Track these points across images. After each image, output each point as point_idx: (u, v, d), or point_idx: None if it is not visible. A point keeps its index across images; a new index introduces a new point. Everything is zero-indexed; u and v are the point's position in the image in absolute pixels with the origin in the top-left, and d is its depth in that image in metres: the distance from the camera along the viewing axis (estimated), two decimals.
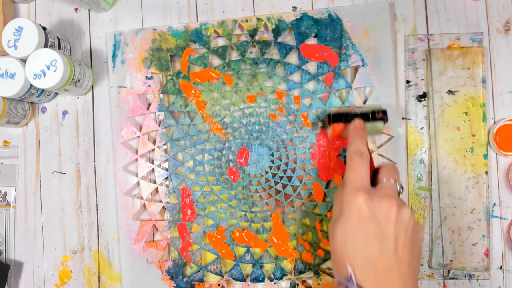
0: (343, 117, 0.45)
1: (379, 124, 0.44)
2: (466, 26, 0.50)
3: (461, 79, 0.49)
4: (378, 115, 0.44)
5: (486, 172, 0.48)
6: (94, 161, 0.54)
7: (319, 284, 0.49)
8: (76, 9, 0.56)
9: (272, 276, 0.50)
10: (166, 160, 0.52)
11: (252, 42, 0.51)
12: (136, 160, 0.52)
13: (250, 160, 0.51)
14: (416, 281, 0.34)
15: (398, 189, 0.36)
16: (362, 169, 0.36)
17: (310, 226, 0.49)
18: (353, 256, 0.33)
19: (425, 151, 0.50)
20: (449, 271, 0.49)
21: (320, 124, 0.49)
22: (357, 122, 0.42)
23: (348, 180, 0.36)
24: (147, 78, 0.52)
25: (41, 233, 0.55)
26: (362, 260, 0.33)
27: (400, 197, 0.36)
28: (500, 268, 0.49)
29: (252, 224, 0.50)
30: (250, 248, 0.50)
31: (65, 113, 0.55)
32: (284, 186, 0.50)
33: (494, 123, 0.49)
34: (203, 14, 0.54)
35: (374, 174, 0.39)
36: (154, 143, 0.52)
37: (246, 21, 0.52)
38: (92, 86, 0.55)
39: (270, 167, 0.50)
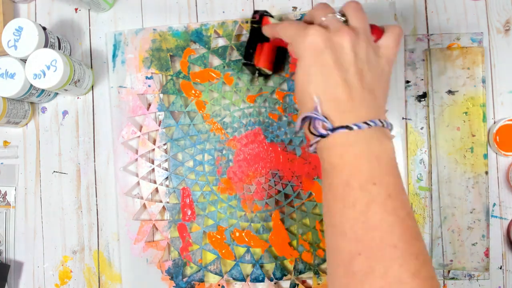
0: (251, 47, 0.46)
1: (266, 20, 0.45)
2: (466, 26, 0.50)
3: (461, 79, 0.49)
4: (255, 18, 0.45)
5: (486, 172, 0.48)
6: (94, 161, 0.54)
7: (319, 284, 0.49)
8: (76, 9, 0.56)
9: (272, 276, 0.50)
10: (166, 160, 0.52)
11: None
12: (136, 160, 0.52)
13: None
14: (382, 112, 0.34)
15: (341, 18, 0.35)
16: (295, 21, 0.37)
17: (310, 226, 0.49)
18: (315, 89, 0.33)
19: (425, 151, 0.50)
20: (449, 271, 0.49)
21: (255, 72, 0.49)
22: (266, 27, 0.43)
23: (292, 29, 0.35)
24: (147, 78, 0.52)
25: (41, 233, 0.55)
26: (324, 90, 0.32)
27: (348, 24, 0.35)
28: (500, 268, 0.49)
29: (252, 224, 0.50)
30: (250, 248, 0.50)
31: (65, 113, 0.55)
32: (284, 186, 0.50)
33: (494, 123, 0.49)
34: (203, 14, 0.54)
35: None
36: (154, 143, 0.52)
37: (247, 21, 0.52)
38: (92, 86, 0.55)
39: (270, 167, 0.50)
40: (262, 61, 0.46)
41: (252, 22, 0.46)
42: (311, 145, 0.33)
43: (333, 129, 0.31)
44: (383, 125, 0.32)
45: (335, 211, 0.32)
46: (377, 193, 0.30)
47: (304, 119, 0.33)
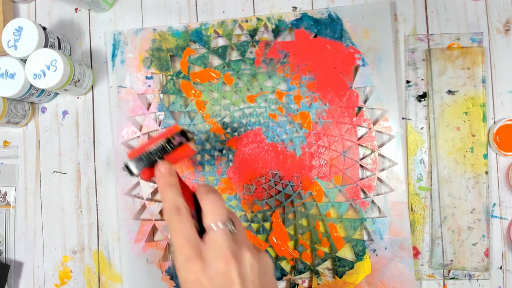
0: (142, 162, 0.36)
1: (185, 146, 0.36)
2: (466, 26, 0.50)
3: (461, 79, 0.49)
4: (175, 141, 0.36)
5: (486, 172, 0.48)
6: (94, 161, 0.54)
7: (319, 284, 0.49)
8: (76, 9, 0.56)
9: None
10: None
11: (252, 42, 0.51)
12: None
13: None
14: None
15: (229, 228, 0.32)
16: (183, 228, 0.31)
17: (310, 226, 0.49)
18: None
19: (425, 151, 0.50)
20: (449, 271, 0.49)
21: (128, 174, 0.37)
22: (161, 168, 0.35)
23: (176, 248, 0.31)
24: (147, 78, 0.52)
25: (41, 233, 0.55)
26: None
27: (234, 235, 0.32)
28: (500, 268, 0.49)
29: (252, 224, 0.50)
30: None
31: (65, 113, 0.55)
32: (284, 186, 0.50)
33: (494, 123, 0.49)
34: (203, 14, 0.54)
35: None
36: None
37: (246, 21, 0.52)
38: (92, 86, 0.55)
39: (270, 167, 0.50)
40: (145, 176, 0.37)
41: (169, 142, 0.36)
42: None
43: None
44: None
45: None
46: None
47: None
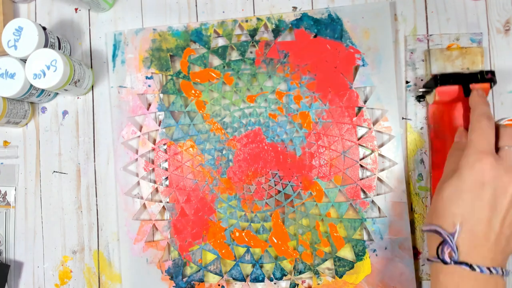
0: (451, 79, 0.44)
1: (485, 85, 0.43)
2: (466, 26, 0.50)
3: None
4: (487, 76, 0.43)
5: None
6: (94, 161, 0.54)
7: (319, 284, 0.49)
8: (76, 9, 0.56)
9: (272, 276, 0.50)
10: (166, 160, 0.52)
11: (252, 42, 0.51)
12: (136, 160, 0.52)
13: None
14: (506, 260, 0.35)
15: None
16: (489, 132, 0.36)
17: (310, 226, 0.49)
18: (456, 213, 0.34)
19: (425, 151, 0.50)
20: None
21: (420, 92, 0.48)
22: (479, 91, 0.42)
23: (474, 142, 0.35)
24: (147, 78, 0.52)
25: (41, 233, 0.55)
26: (466, 220, 0.33)
27: None
28: None
29: (252, 224, 0.50)
30: (250, 248, 0.50)
31: (65, 113, 0.55)
32: (284, 186, 0.50)
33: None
34: (203, 14, 0.54)
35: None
36: (154, 143, 0.52)
37: (246, 21, 0.52)
38: (92, 86, 0.55)
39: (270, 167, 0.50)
40: (435, 101, 0.46)
41: (481, 73, 0.44)
42: (428, 259, 0.35)
43: (457, 262, 0.33)
44: (502, 274, 0.33)
45: None
46: None
47: (435, 231, 0.35)
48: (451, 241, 0.33)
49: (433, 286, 0.35)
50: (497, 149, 0.36)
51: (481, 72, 0.43)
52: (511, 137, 0.36)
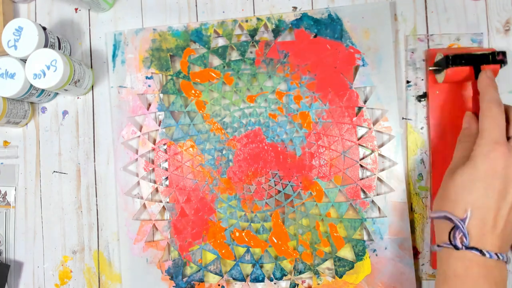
0: (462, 60, 0.43)
1: (496, 66, 0.43)
2: (466, 26, 0.50)
3: None
4: (498, 57, 0.43)
5: None
6: (94, 161, 0.54)
7: (319, 284, 0.49)
8: (76, 9, 0.56)
9: (272, 276, 0.50)
10: (166, 160, 0.52)
11: (252, 42, 0.51)
12: (136, 160, 0.52)
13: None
14: (509, 246, 0.36)
15: None
16: (501, 119, 0.36)
17: (310, 226, 0.49)
18: (468, 201, 0.35)
19: (425, 151, 0.50)
20: None
21: (432, 69, 0.48)
22: (488, 72, 0.41)
23: (486, 130, 0.36)
24: (147, 78, 0.53)
25: (41, 233, 0.55)
26: (477, 207, 0.34)
27: None
28: None
29: (252, 224, 0.50)
30: (250, 248, 0.50)
31: (65, 113, 0.55)
32: (284, 186, 0.50)
33: None
34: (203, 14, 0.54)
35: None
36: (154, 143, 0.52)
37: (246, 21, 0.52)
38: (92, 86, 0.55)
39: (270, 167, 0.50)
40: (445, 81, 0.45)
41: (493, 54, 0.43)
42: (438, 245, 0.36)
43: (468, 247, 0.34)
44: (506, 261, 0.35)
45: None
46: None
47: (445, 217, 0.35)
48: (462, 226, 0.34)
49: (441, 272, 0.36)
50: (508, 137, 0.37)
51: (493, 53, 0.43)
52: None
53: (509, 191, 0.34)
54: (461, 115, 0.49)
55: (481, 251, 0.34)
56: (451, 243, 0.35)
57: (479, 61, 0.43)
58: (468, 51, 0.44)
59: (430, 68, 0.48)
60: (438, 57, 0.46)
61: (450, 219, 0.35)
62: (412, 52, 0.50)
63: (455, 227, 0.35)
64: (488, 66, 0.43)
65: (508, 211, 0.34)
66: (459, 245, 0.34)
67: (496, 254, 0.34)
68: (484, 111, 0.38)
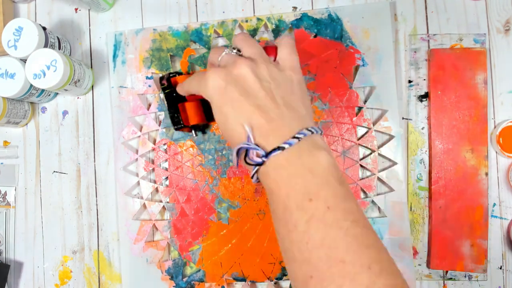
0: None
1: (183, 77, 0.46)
2: (466, 26, 0.50)
3: None
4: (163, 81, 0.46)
5: (486, 173, 0.48)
6: (94, 161, 0.54)
7: None
8: (76, 9, 0.56)
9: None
10: (166, 160, 0.52)
11: None
12: (136, 160, 0.52)
13: None
14: (309, 120, 0.33)
15: (233, 52, 0.36)
16: (214, 56, 0.37)
17: None
18: (234, 127, 0.32)
19: (426, 151, 0.50)
20: (447, 271, 0.49)
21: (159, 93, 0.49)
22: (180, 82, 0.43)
23: (201, 76, 0.35)
24: (147, 78, 0.52)
25: (41, 233, 0.55)
26: (243, 122, 0.32)
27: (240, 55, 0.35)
28: (500, 268, 0.49)
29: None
30: None
31: (65, 113, 0.55)
32: None
33: (495, 123, 0.49)
34: (203, 14, 0.54)
35: None
36: (154, 143, 0.52)
37: (246, 21, 0.52)
38: (92, 86, 0.55)
39: None
40: (192, 118, 0.46)
41: (163, 89, 0.46)
42: (252, 176, 0.32)
43: (266, 155, 0.30)
44: (312, 133, 0.31)
45: (283, 236, 0.31)
46: (315, 209, 0.29)
47: (238, 151, 0.32)
48: (248, 144, 0.31)
49: (269, 196, 0.32)
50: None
51: (163, 88, 0.47)
52: (213, 55, 0.37)
53: (249, 87, 0.32)
54: (462, 116, 0.49)
55: (279, 148, 0.30)
56: (252, 165, 0.31)
57: (172, 98, 0.46)
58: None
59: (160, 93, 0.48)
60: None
61: (240, 148, 0.32)
62: (415, 52, 0.50)
63: (247, 151, 0.32)
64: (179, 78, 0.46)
65: (265, 100, 0.32)
66: (259, 159, 0.31)
67: (294, 137, 0.30)
68: (187, 85, 0.40)
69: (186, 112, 0.46)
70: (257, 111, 0.32)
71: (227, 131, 0.33)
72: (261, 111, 0.32)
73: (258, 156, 0.31)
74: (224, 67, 0.34)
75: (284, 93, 0.33)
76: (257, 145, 0.31)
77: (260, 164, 0.31)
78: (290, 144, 0.30)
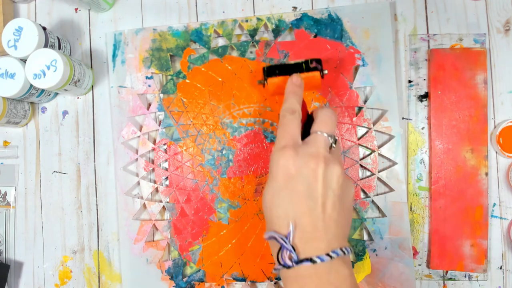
0: (277, 70, 0.43)
1: (315, 74, 0.42)
2: (466, 26, 0.50)
3: None
4: (311, 65, 0.42)
5: (486, 173, 0.48)
6: (94, 161, 0.54)
7: None
8: (76, 9, 0.56)
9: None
10: (166, 160, 0.52)
11: (252, 42, 0.51)
12: (136, 160, 0.52)
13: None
14: (345, 239, 0.34)
15: (330, 142, 0.34)
16: (292, 126, 0.35)
17: None
18: (281, 214, 0.32)
19: (426, 151, 0.50)
20: (447, 271, 0.49)
21: (257, 82, 0.46)
22: (294, 78, 0.40)
23: (278, 139, 0.35)
24: (147, 78, 0.52)
25: (41, 233, 0.55)
26: (291, 218, 0.32)
27: (332, 150, 0.35)
28: (500, 268, 0.49)
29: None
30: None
31: (65, 113, 0.55)
32: None
33: (495, 123, 0.49)
34: (203, 14, 0.54)
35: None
36: (154, 143, 0.52)
37: (246, 21, 0.52)
38: (92, 86, 0.55)
39: None
40: (271, 92, 0.44)
41: (306, 63, 0.43)
42: (275, 269, 0.33)
43: (297, 262, 0.31)
44: (344, 254, 0.32)
45: None
46: None
47: (272, 237, 0.33)
48: (285, 243, 0.31)
49: None
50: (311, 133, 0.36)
51: (306, 62, 0.43)
52: (323, 122, 0.35)
53: (313, 188, 0.32)
54: (462, 116, 0.49)
55: (311, 260, 0.31)
56: (280, 264, 0.32)
57: (294, 70, 0.42)
58: (288, 62, 0.45)
59: (258, 82, 0.45)
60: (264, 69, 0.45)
61: (275, 238, 0.32)
62: (415, 52, 0.50)
63: (281, 247, 0.32)
64: (305, 74, 0.42)
65: (321, 209, 0.32)
66: (289, 263, 0.31)
67: (328, 254, 0.31)
68: (280, 119, 0.36)
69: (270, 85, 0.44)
70: (308, 214, 0.32)
71: (270, 212, 0.33)
72: (312, 217, 0.32)
73: (290, 258, 0.31)
74: (303, 152, 0.33)
75: (339, 207, 0.33)
76: (293, 246, 0.31)
77: (288, 267, 0.32)
78: (322, 260, 0.31)
